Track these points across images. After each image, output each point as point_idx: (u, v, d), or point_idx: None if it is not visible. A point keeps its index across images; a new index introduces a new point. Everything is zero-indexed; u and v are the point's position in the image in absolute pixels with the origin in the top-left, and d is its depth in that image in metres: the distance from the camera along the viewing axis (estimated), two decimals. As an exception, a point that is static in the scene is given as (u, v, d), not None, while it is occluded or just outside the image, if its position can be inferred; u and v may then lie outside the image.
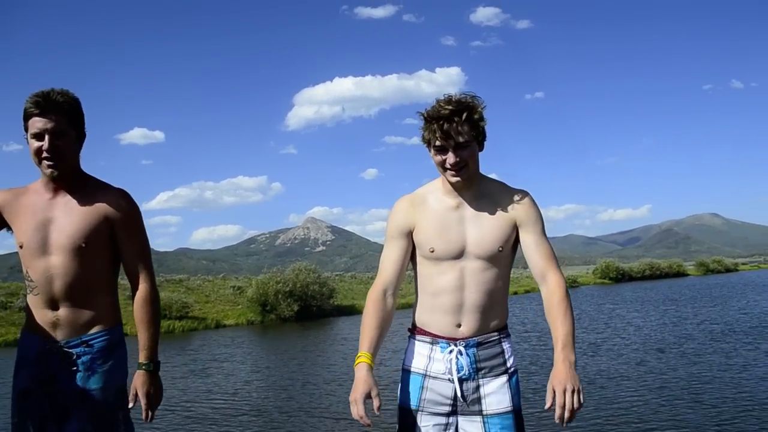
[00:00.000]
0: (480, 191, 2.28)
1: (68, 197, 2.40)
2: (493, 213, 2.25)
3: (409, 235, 2.30)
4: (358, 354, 2.14)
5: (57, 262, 2.34)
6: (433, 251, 2.24)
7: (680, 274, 56.54)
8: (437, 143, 2.16)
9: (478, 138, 2.20)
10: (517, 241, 2.28)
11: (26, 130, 2.34)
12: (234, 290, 28.63)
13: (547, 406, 1.97)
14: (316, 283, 26.76)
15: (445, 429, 2.22)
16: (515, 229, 2.26)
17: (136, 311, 2.44)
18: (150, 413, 2.40)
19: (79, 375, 2.34)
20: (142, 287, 2.46)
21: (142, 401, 2.38)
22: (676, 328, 15.79)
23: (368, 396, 2.02)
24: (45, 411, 2.34)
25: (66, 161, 2.36)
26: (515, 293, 33.84)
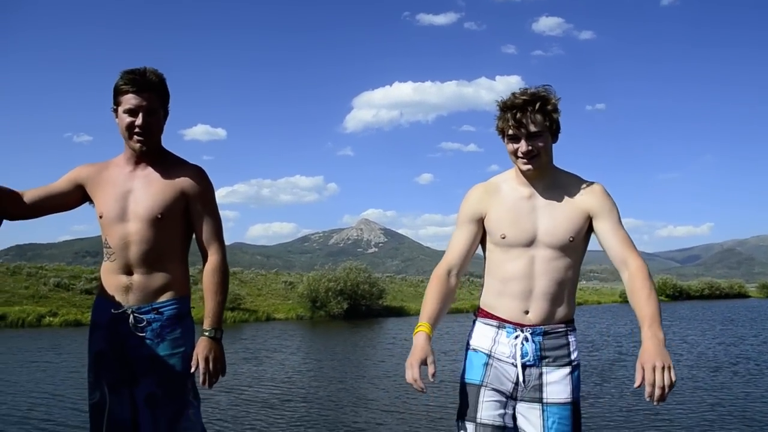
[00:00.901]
0: (552, 182, 2.30)
1: (148, 170, 2.53)
2: (565, 203, 2.26)
3: (480, 221, 2.33)
4: (418, 324, 2.19)
5: (134, 230, 2.46)
6: (504, 237, 2.26)
7: (741, 295, 54.70)
8: (510, 132, 2.20)
9: (552, 128, 2.22)
10: (589, 232, 2.29)
11: (116, 104, 2.47)
12: (286, 285, 29.06)
13: (636, 384, 1.90)
14: (367, 282, 26.99)
15: (504, 407, 2.25)
16: (587, 220, 2.26)
17: (205, 280, 2.54)
18: (208, 379, 2.42)
19: (148, 342, 2.44)
20: (213, 258, 2.56)
21: (202, 366, 2.40)
22: (732, 348, 15.33)
23: (424, 363, 2.08)
24: (118, 373, 2.45)
25: (153, 137, 2.50)
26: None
